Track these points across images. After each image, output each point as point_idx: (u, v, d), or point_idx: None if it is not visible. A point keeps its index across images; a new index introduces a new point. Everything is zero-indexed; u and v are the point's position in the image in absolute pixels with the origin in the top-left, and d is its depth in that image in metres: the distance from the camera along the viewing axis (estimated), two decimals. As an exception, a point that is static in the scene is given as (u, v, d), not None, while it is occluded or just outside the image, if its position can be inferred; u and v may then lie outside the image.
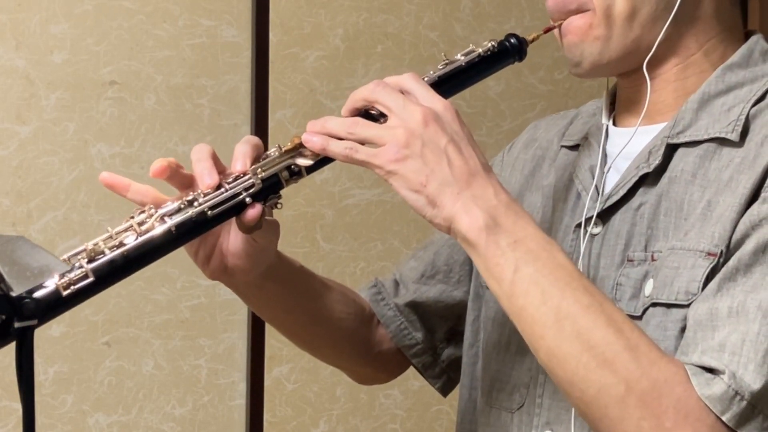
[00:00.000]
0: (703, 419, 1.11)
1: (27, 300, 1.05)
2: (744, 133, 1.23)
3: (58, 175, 2.49)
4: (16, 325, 1.04)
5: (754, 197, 1.18)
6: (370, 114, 1.21)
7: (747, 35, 1.33)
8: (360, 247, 2.70)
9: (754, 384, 1.11)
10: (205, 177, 1.22)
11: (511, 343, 1.35)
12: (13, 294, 1.04)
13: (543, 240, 1.17)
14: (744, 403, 1.11)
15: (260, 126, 2.60)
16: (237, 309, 2.60)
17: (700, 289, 1.18)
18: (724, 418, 1.11)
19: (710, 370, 1.12)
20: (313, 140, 1.20)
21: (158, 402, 2.56)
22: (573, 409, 1.25)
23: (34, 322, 1.05)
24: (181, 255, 1.28)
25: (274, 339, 2.59)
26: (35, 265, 1.05)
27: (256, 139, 1.26)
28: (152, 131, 2.55)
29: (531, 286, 1.15)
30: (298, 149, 1.22)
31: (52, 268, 1.08)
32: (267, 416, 2.63)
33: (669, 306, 1.20)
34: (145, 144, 2.54)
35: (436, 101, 1.19)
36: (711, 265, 1.18)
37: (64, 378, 2.49)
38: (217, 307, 2.59)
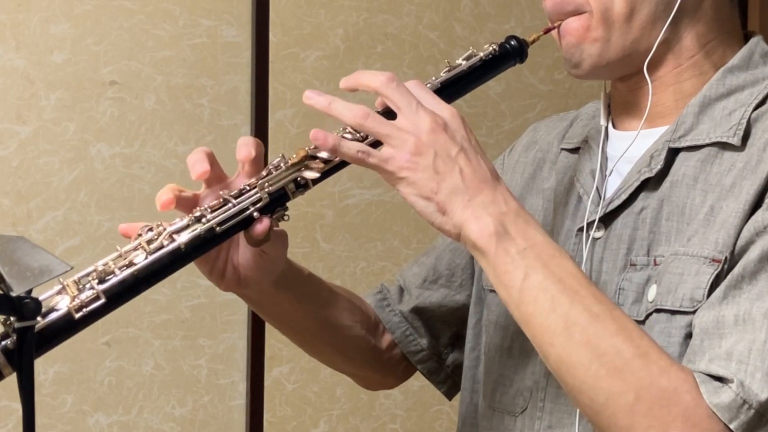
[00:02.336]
0: (711, 428, 1.11)
1: (27, 300, 1.05)
2: (745, 137, 1.23)
3: (58, 175, 2.49)
4: (16, 325, 1.04)
5: (757, 204, 1.18)
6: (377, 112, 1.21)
7: (746, 37, 1.33)
8: (360, 247, 2.70)
9: (762, 393, 1.11)
10: (197, 166, 1.22)
11: (513, 347, 1.35)
12: (13, 294, 1.04)
13: (552, 248, 1.17)
14: (752, 411, 1.11)
15: (260, 126, 2.60)
16: (237, 309, 2.60)
17: (705, 296, 1.18)
18: (731, 426, 1.11)
19: (718, 379, 1.12)
20: (324, 138, 1.18)
21: (158, 402, 2.56)
22: (576, 413, 1.25)
23: (34, 322, 1.05)
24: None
25: (274, 339, 2.59)
26: (35, 265, 1.05)
27: (255, 142, 1.26)
28: (152, 131, 2.54)
29: (540, 293, 1.14)
30: (304, 162, 1.22)
31: (52, 268, 1.08)
32: (267, 416, 2.63)
33: (673, 312, 1.20)
34: (145, 144, 2.54)
35: (443, 108, 1.20)
36: (716, 272, 1.18)
37: (64, 378, 2.49)
38: (217, 307, 2.59)
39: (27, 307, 1.04)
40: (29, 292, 1.06)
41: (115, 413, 2.53)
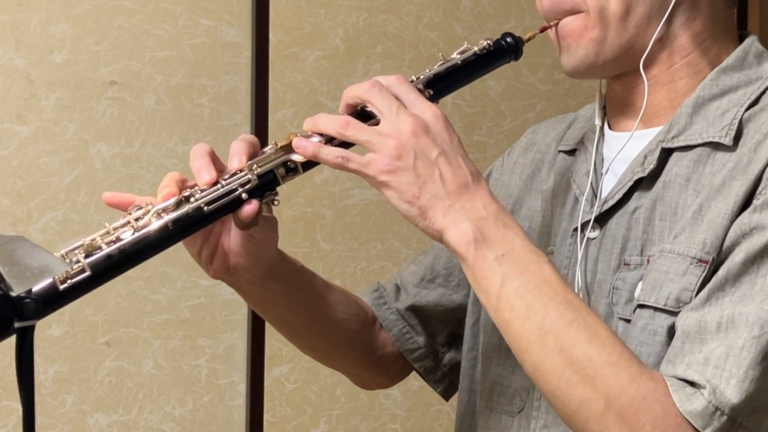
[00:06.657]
0: None
1: (27, 300, 1.05)
2: (737, 137, 1.23)
3: (58, 175, 2.49)
4: (17, 325, 1.04)
5: (745, 204, 1.18)
6: (364, 112, 1.22)
7: (741, 37, 1.33)
8: (360, 247, 2.70)
9: (734, 398, 1.11)
10: (203, 173, 1.22)
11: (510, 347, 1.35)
12: (13, 294, 1.04)
13: (530, 253, 1.18)
14: (724, 417, 1.11)
15: (260, 126, 2.60)
16: (237, 309, 2.60)
17: (692, 299, 1.18)
18: None
19: (692, 384, 1.13)
20: (305, 146, 1.20)
21: (158, 402, 2.56)
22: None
23: (35, 322, 1.05)
24: (181, 255, 1.28)
25: (274, 339, 2.59)
26: (35, 265, 1.05)
27: (251, 137, 1.26)
28: (152, 131, 2.55)
29: (516, 300, 1.16)
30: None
31: (52, 268, 1.08)
32: (267, 416, 2.64)
33: (656, 310, 1.21)
34: (145, 144, 2.54)
35: (425, 109, 1.20)
36: (703, 274, 1.18)
37: (64, 378, 2.49)
38: (217, 307, 2.59)
39: (27, 307, 1.05)
40: (29, 292, 1.06)
41: (115, 413, 2.53)
